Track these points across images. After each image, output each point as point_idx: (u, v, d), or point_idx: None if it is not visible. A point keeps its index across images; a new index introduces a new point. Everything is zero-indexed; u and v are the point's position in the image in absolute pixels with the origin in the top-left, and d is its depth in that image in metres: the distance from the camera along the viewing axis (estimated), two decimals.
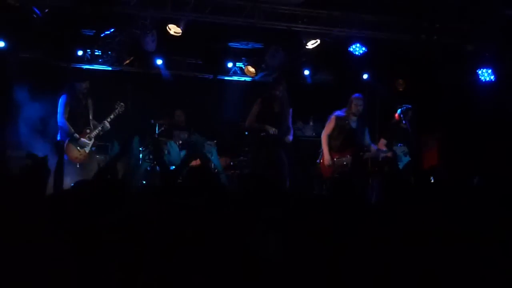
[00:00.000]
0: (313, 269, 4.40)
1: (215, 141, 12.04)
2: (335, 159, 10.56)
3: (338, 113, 10.77)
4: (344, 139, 10.67)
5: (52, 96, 11.17)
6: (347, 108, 10.74)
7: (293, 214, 5.02)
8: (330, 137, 10.69)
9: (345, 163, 10.58)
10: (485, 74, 12.12)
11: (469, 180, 8.03)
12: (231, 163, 12.18)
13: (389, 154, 10.92)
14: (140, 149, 11.59)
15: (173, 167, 11.28)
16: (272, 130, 10.26)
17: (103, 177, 5.75)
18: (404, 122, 10.92)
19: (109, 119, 10.76)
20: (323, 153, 10.65)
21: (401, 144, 11.09)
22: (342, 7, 10.91)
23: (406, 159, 11.00)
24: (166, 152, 11.71)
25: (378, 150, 10.97)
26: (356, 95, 10.82)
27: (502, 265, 4.56)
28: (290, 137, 10.50)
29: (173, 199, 5.21)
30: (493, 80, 12.09)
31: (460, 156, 12.40)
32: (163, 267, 4.31)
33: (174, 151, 11.82)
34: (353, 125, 10.76)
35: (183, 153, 11.78)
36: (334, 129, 10.69)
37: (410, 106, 11.22)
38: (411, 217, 4.92)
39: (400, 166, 10.99)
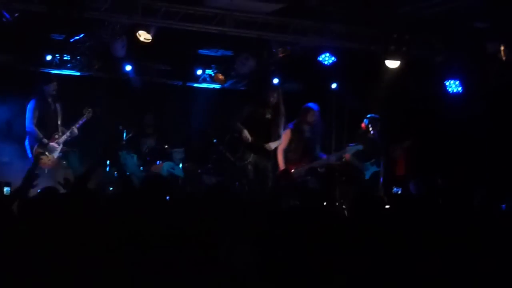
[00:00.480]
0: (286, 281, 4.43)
1: (183, 149, 12.07)
2: (293, 170, 10.56)
3: (290, 125, 10.78)
4: (302, 151, 10.71)
5: (19, 100, 11.09)
6: (299, 118, 10.76)
7: (262, 225, 5.04)
8: (287, 150, 10.68)
9: (303, 173, 10.61)
10: (453, 85, 12.24)
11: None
12: (199, 171, 12.14)
13: (346, 156, 10.99)
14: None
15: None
16: (248, 137, 10.16)
17: (79, 186, 5.75)
18: (372, 132, 10.98)
19: (77, 125, 10.72)
20: (278, 166, 10.64)
21: (353, 144, 11.20)
22: (312, 17, 10.95)
23: (372, 169, 11.09)
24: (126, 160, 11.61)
25: (328, 157, 11.00)
26: (311, 105, 10.88)
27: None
28: (272, 145, 10.40)
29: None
30: (460, 91, 12.21)
31: (427, 166, 12.51)
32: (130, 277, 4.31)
33: (131, 162, 11.68)
34: (308, 134, 10.80)
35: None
36: (290, 142, 10.70)
37: (377, 116, 11.29)
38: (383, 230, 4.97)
39: (367, 176, 11.09)
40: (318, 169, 11.07)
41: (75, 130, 10.72)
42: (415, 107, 12.96)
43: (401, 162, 12.10)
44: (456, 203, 7.05)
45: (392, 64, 11.60)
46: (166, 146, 11.88)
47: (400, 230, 5.18)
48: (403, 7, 10.15)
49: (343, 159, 11.30)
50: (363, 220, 5.24)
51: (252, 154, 10.23)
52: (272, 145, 10.40)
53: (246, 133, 10.16)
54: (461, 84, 12.18)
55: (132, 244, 4.46)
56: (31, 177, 6.16)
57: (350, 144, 11.66)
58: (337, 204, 10.37)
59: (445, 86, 12.31)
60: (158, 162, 11.69)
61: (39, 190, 5.27)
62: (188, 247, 4.51)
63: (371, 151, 11.01)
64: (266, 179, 10.39)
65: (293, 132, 10.70)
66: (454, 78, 12.21)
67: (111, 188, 11.13)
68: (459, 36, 11.23)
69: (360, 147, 11.41)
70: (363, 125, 11.20)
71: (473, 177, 11.38)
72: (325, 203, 7.26)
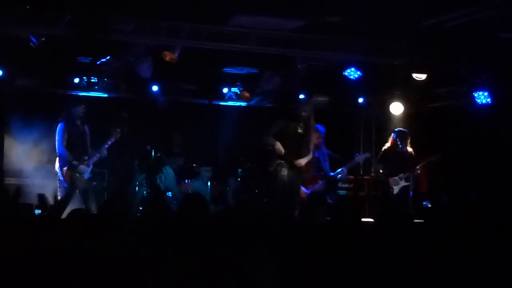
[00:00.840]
0: None
1: (211, 167, 12.13)
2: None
3: None
4: (313, 171, 10.74)
5: (48, 123, 11.21)
6: None
7: (290, 242, 5.03)
8: None
9: (322, 189, 10.65)
10: (482, 97, 12.15)
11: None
12: (227, 188, 12.19)
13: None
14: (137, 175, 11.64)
15: (170, 193, 11.34)
16: (281, 150, 10.09)
17: (110, 208, 5.78)
18: (400, 146, 10.92)
19: (106, 146, 10.80)
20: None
21: (359, 154, 11.26)
22: (335, 32, 10.95)
23: (401, 183, 11.01)
24: (162, 177, 11.71)
25: (337, 172, 11.02)
26: (319, 127, 10.89)
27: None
28: (302, 161, 10.37)
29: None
30: (489, 102, 12.12)
31: (457, 179, 12.42)
32: None
33: (170, 176, 11.82)
34: (316, 154, 10.80)
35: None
36: None
37: (405, 130, 11.24)
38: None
39: (396, 191, 11.01)
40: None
41: (104, 151, 10.79)
42: (443, 119, 12.90)
43: (424, 177, 12.04)
44: (487, 215, 6.97)
45: (419, 77, 11.54)
46: (194, 165, 11.93)
47: (430, 244, 5.14)
48: (427, 20, 10.11)
49: (372, 174, 11.29)
50: (391, 235, 5.20)
51: (285, 169, 10.13)
52: (303, 161, 10.32)
53: (279, 145, 10.05)
54: (490, 95, 12.09)
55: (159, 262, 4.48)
56: (68, 198, 6.21)
57: (357, 154, 11.66)
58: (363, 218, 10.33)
59: (474, 98, 12.23)
60: (186, 181, 11.74)
61: (69, 211, 5.31)
62: (213, 264, 4.52)
63: (400, 166, 10.95)
64: (296, 194, 10.31)
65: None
66: (482, 89, 12.13)
67: (141, 208, 11.21)
68: (484, 47, 11.16)
69: (367, 155, 11.41)
70: (391, 139, 11.15)
71: (503, 189, 11.26)
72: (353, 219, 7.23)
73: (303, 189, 10.49)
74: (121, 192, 6.21)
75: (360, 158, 11.54)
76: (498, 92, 12.11)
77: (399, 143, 11.00)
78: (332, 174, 11.02)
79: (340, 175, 11.12)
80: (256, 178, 11.87)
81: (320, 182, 10.79)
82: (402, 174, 10.91)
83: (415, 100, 13.63)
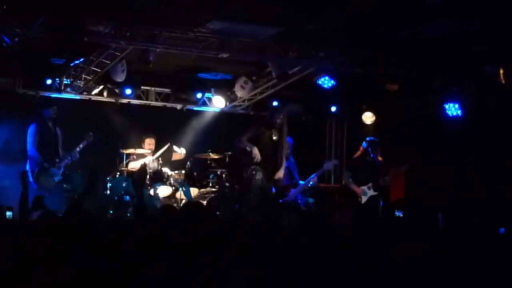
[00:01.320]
0: None
1: (183, 172, 12.07)
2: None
3: None
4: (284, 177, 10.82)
5: (20, 124, 11.13)
6: None
7: (261, 251, 5.05)
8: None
9: (293, 198, 10.71)
10: (452, 109, 12.28)
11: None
12: (199, 194, 12.17)
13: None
14: (107, 178, 11.57)
15: (127, 197, 11.26)
16: (258, 155, 10.09)
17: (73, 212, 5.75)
18: (371, 155, 10.97)
19: (78, 149, 10.75)
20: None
21: (328, 161, 11.37)
22: (311, 41, 11.01)
23: (370, 193, 11.04)
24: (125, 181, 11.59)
25: (307, 180, 11.09)
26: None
27: None
28: (280, 173, 10.31)
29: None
30: (460, 114, 12.25)
31: (426, 190, 12.52)
32: None
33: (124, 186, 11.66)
34: (286, 164, 10.88)
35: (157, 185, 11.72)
36: None
37: (376, 139, 11.28)
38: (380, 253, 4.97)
39: (364, 200, 11.05)
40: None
41: (76, 154, 10.74)
42: (414, 130, 13.01)
43: (400, 185, 12.12)
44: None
45: (391, 87, 11.65)
46: (165, 169, 11.89)
47: (398, 253, 5.18)
48: (401, 32, 10.21)
49: (342, 183, 11.34)
50: (362, 242, 5.24)
51: (260, 173, 10.15)
52: (281, 173, 10.37)
53: (256, 150, 10.05)
54: (460, 107, 12.23)
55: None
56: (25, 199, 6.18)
57: (326, 161, 11.71)
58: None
59: (444, 109, 12.36)
60: (158, 185, 11.68)
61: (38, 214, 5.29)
62: (182, 271, 4.53)
63: (369, 175, 10.98)
64: (269, 200, 10.33)
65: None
66: (453, 101, 12.26)
67: (111, 212, 11.15)
68: (456, 59, 11.29)
69: (336, 161, 11.46)
70: (361, 148, 11.18)
71: (471, 202, 11.38)
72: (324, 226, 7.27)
73: None
74: (86, 195, 6.19)
75: (329, 165, 11.57)
76: (468, 104, 12.25)
77: (370, 152, 11.03)
78: (302, 182, 11.05)
79: (311, 183, 11.15)
80: (229, 184, 11.88)
81: (293, 190, 10.82)
82: (370, 184, 10.96)
83: (387, 110, 13.75)
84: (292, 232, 6.03)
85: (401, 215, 10.71)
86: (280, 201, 10.53)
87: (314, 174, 11.13)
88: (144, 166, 10.69)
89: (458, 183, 12.06)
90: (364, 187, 10.93)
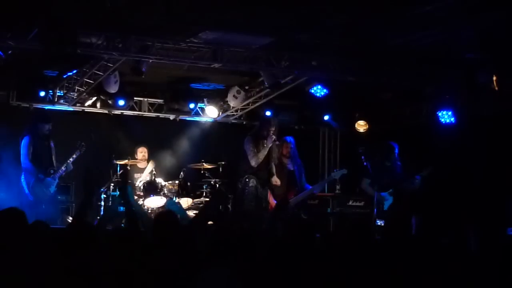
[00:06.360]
0: None
1: (177, 182, 12.06)
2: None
3: None
4: (286, 184, 10.82)
5: (14, 136, 11.12)
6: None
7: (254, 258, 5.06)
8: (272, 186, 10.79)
9: (292, 206, 10.70)
10: (445, 116, 12.30)
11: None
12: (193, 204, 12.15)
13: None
14: (102, 190, 11.55)
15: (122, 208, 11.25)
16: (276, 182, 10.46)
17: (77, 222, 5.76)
18: (365, 164, 10.92)
19: (71, 159, 10.77)
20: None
21: (337, 170, 11.35)
22: (303, 50, 11.03)
23: (391, 199, 10.95)
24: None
25: (313, 187, 11.07)
26: (285, 137, 10.98)
27: None
28: (276, 178, 10.64)
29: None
30: (453, 122, 12.27)
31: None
32: None
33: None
34: (290, 167, 10.89)
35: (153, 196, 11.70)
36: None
37: (394, 143, 11.23)
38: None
39: (385, 207, 10.94)
40: (308, 201, 11.17)
41: (70, 165, 10.78)
42: (407, 138, 13.01)
43: None
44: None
45: (384, 95, 11.67)
46: (159, 180, 11.87)
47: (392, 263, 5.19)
48: (394, 40, 10.23)
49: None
50: (355, 252, 5.25)
51: (254, 180, 10.33)
52: (276, 179, 10.54)
53: (276, 179, 10.43)
54: (454, 115, 12.24)
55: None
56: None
57: (334, 170, 11.68)
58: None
59: (437, 117, 12.37)
60: (151, 196, 11.67)
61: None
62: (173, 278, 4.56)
63: (389, 181, 10.85)
64: (263, 208, 10.43)
65: (275, 166, 10.81)
66: (446, 109, 12.28)
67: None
68: (449, 67, 11.32)
69: (344, 171, 11.42)
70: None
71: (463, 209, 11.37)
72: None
73: (274, 202, 10.52)
74: (86, 206, 6.18)
75: (337, 174, 11.51)
76: (461, 112, 12.28)
77: (364, 160, 10.93)
78: (309, 186, 11.02)
79: (315, 190, 11.14)
80: (223, 194, 11.86)
81: (290, 198, 10.78)
82: (391, 190, 10.83)
83: (380, 118, 13.77)
84: (276, 239, 6.02)
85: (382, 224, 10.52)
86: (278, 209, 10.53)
87: (321, 182, 11.15)
88: (125, 171, 10.88)
89: (451, 190, 12.04)
90: (385, 194, 10.81)
